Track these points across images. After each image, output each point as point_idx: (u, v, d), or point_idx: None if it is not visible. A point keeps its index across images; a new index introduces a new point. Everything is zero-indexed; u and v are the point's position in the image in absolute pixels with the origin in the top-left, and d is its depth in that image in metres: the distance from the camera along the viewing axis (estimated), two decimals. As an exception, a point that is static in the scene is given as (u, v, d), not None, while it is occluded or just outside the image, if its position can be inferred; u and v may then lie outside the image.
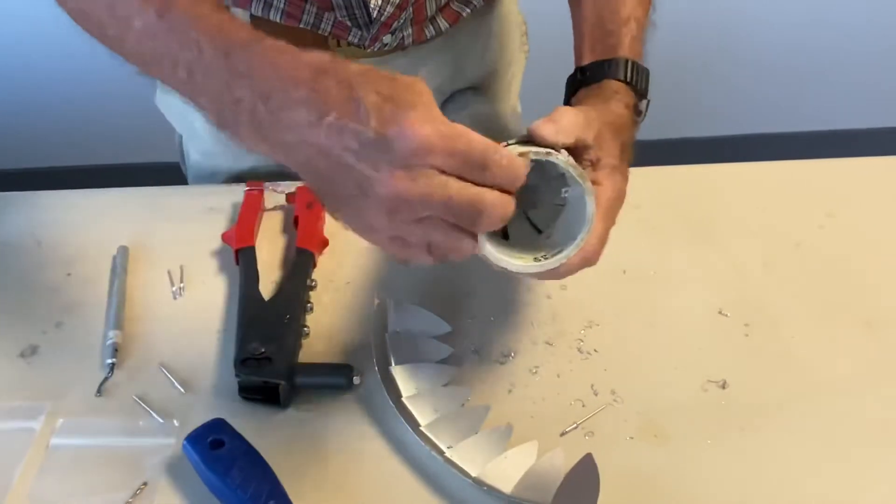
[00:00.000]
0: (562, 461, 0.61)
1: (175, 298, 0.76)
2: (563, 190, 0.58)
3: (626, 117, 0.65)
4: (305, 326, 0.71)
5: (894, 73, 2.08)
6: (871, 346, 0.72)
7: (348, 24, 0.80)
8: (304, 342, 0.71)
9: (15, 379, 0.69)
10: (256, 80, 0.51)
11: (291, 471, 0.62)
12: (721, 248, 0.80)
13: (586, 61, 0.69)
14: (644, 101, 0.69)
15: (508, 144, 0.55)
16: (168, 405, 0.67)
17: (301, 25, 0.80)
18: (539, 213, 0.61)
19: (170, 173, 1.04)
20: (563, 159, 0.55)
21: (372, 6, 0.78)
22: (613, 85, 0.67)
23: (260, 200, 0.82)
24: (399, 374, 0.67)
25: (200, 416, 0.64)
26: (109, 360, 0.69)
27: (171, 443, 0.64)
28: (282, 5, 0.79)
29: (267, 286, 0.74)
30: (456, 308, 0.74)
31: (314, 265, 0.77)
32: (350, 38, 0.82)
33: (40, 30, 1.77)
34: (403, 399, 0.66)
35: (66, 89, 1.93)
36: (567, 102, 0.69)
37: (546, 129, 0.56)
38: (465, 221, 0.51)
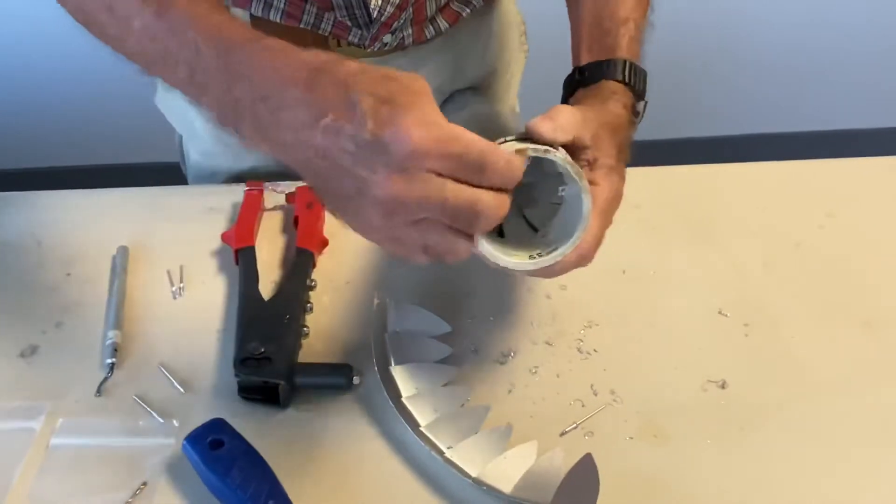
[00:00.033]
0: (561, 461, 0.61)
1: (175, 298, 0.76)
2: (560, 188, 0.58)
3: (623, 118, 0.65)
4: (305, 326, 0.71)
5: (894, 73, 2.08)
6: (871, 346, 0.72)
7: (348, 24, 0.80)
8: (304, 342, 0.71)
9: (15, 379, 0.69)
10: (254, 81, 0.51)
11: (291, 471, 0.62)
12: (721, 248, 0.80)
13: (584, 62, 0.69)
14: (642, 102, 0.69)
15: (506, 141, 0.55)
16: (168, 405, 0.67)
17: (301, 25, 0.80)
18: (536, 211, 0.61)
19: (170, 173, 1.04)
20: (560, 157, 0.55)
21: (372, 6, 0.78)
22: (611, 85, 0.67)
23: (260, 200, 0.82)
24: (399, 374, 0.67)
25: (200, 416, 0.64)
26: (109, 360, 0.69)
27: (170, 443, 0.64)
28: (282, 5, 0.79)
29: (267, 286, 0.74)
30: (456, 308, 0.74)
31: (314, 265, 0.77)
32: (350, 37, 0.82)
33: (40, 30, 1.78)
34: (403, 399, 0.66)
35: (66, 89, 1.93)
36: (564, 103, 0.69)
37: (544, 127, 0.56)
38: (461, 223, 0.50)
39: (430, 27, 0.86)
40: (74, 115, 1.98)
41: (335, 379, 0.67)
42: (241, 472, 0.60)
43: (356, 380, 0.67)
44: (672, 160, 0.88)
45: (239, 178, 0.91)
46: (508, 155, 0.51)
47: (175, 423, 0.66)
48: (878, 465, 0.64)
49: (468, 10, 0.89)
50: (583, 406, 0.67)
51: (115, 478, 0.62)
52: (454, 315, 0.73)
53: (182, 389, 0.68)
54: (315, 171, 0.51)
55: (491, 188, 0.50)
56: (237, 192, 0.83)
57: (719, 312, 0.74)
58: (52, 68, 1.89)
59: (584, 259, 0.59)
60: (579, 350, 0.71)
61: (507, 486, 0.60)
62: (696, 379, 0.69)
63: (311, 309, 0.74)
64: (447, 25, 0.87)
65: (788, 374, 0.70)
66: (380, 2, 0.78)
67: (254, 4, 0.80)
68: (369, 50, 0.83)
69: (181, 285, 0.77)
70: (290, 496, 0.59)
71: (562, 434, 0.65)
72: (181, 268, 0.78)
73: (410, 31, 0.84)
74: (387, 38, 0.83)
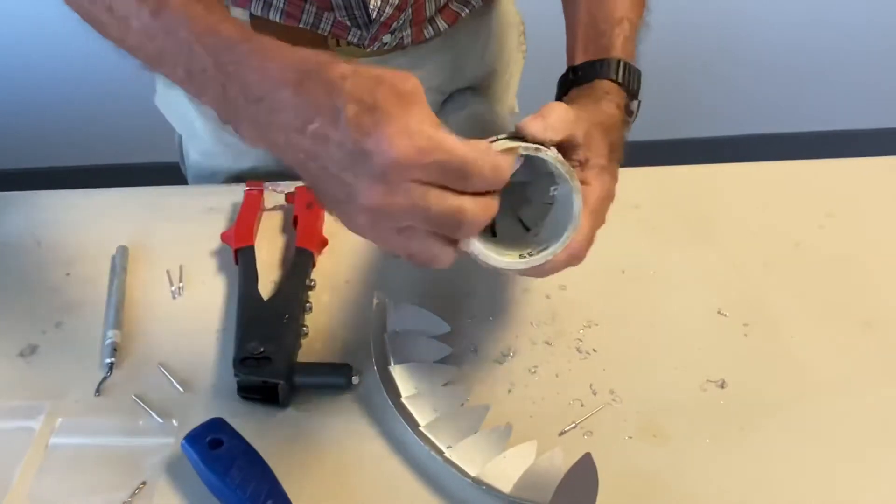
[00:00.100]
0: (561, 461, 0.61)
1: (174, 298, 0.76)
2: (552, 188, 0.58)
3: (616, 117, 0.65)
4: (304, 326, 0.71)
5: (894, 73, 2.08)
6: (871, 346, 0.72)
7: (348, 23, 0.80)
8: (303, 342, 0.71)
9: (14, 378, 0.69)
10: (247, 82, 0.51)
11: (290, 470, 0.62)
12: (721, 248, 0.80)
13: (578, 61, 0.69)
14: (635, 102, 0.68)
15: (498, 139, 0.55)
16: (167, 405, 0.67)
17: (301, 25, 0.80)
18: (528, 211, 0.61)
19: (170, 173, 1.04)
20: (551, 156, 0.55)
21: (371, 7, 0.78)
22: (605, 85, 0.67)
23: (259, 200, 0.82)
24: (398, 373, 0.67)
25: (199, 416, 0.64)
26: (108, 360, 0.69)
27: (170, 442, 0.64)
28: (281, 5, 0.79)
29: (266, 286, 0.74)
30: (455, 308, 0.74)
31: (313, 265, 0.77)
32: (349, 37, 0.82)
33: (40, 30, 1.78)
34: (403, 399, 0.66)
35: (66, 89, 1.93)
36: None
37: (535, 125, 0.56)
38: (445, 230, 0.50)
39: (430, 27, 0.86)
40: (74, 115, 1.98)
41: (334, 379, 0.67)
42: (241, 471, 0.60)
43: (355, 379, 0.67)
44: (672, 160, 0.88)
45: (239, 178, 0.91)
46: (495, 159, 0.50)
47: (174, 422, 0.66)
48: (878, 465, 0.64)
49: (467, 11, 0.89)
50: (582, 406, 0.67)
51: (115, 477, 0.62)
52: (454, 315, 0.73)
53: (181, 389, 0.68)
54: (309, 172, 0.51)
55: (477, 193, 0.50)
56: (237, 192, 0.83)
57: (719, 312, 0.74)
58: (52, 68, 1.89)
59: (574, 259, 0.59)
60: (578, 350, 0.71)
61: (506, 486, 0.60)
62: (695, 378, 0.69)
63: (311, 308, 0.74)
64: (446, 26, 0.87)
65: (788, 374, 0.70)
66: (379, 2, 0.78)
67: (253, 4, 0.80)
68: (368, 50, 0.83)
69: (181, 285, 0.77)
70: (290, 496, 0.59)
71: (561, 434, 0.65)
72: (181, 268, 0.78)
73: (409, 31, 0.84)
74: (386, 38, 0.83)
